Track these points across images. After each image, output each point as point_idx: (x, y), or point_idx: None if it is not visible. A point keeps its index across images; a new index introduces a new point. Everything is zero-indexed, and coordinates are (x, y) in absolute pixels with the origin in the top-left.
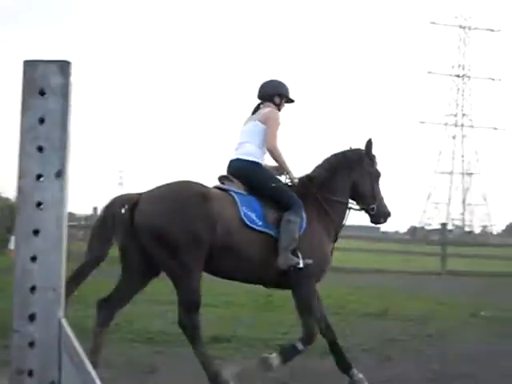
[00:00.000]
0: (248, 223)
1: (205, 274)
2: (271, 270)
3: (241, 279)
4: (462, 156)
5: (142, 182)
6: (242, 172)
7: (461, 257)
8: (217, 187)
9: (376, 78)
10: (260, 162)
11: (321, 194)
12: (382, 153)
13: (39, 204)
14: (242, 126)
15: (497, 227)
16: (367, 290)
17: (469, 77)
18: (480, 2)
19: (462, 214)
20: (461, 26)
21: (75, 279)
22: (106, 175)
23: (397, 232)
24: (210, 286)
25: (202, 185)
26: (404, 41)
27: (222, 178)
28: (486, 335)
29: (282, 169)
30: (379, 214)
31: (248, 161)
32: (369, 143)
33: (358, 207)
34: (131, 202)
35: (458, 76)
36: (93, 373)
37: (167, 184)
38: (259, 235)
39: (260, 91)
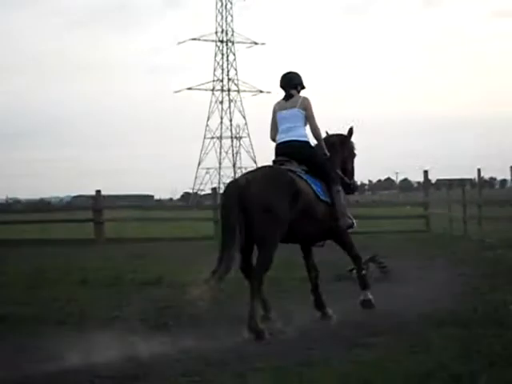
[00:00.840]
0: (320, 197)
1: None
2: (328, 229)
3: (306, 241)
4: (230, 120)
5: None
6: (301, 151)
7: None
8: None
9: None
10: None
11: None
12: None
13: None
14: (281, 111)
15: None
16: (143, 258)
17: (232, 41)
18: None
19: (233, 177)
20: None
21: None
22: None
23: (171, 199)
24: None
25: (286, 169)
26: (161, 8)
27: (280, 160)
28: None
29: (321, 147)
30: (355, 188)
31: (304, 141)
32: (351, 130)
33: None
34: (241, 186)
35: (222, 41)
36: None
37: (263, 170)
38: (324, 205)
39: (284, 81)
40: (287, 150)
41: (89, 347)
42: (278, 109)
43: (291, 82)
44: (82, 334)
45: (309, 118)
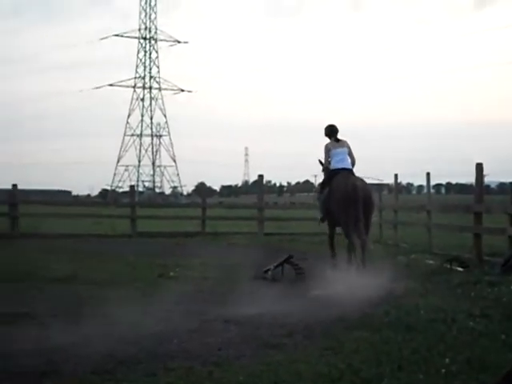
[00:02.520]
0: None
1: None
2: None
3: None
4: (151, 118)
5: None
6: (351, 172)
7: (150, 218)
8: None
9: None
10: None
11: None
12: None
13: None
14: (336, 149)
15: (186, 188)
16: (58, 254)
17: (155, 39)
18: None
19: (153, 175)
20: None
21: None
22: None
23: (88, 195)
24: None
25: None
26: (86, 3)
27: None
28: (175, 294)
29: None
30: None
31: (351, 168)
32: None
33: None
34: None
35: (145, 38)
36: None
37: (359, 178)
38: None
39: (331, 130)
40: (345, 171)
41: None
42: (332, 147)
43: (336, 131)
44: None
45: (350, 154)
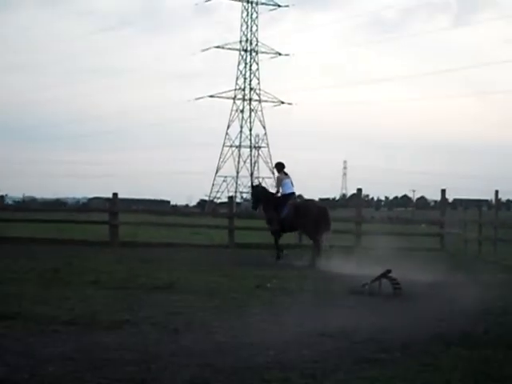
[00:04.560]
0: None
1: None
2: None
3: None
4: (250, 129)
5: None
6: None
7: (248, 229)
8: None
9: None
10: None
11: None
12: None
13: None
14: (286, 179)
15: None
16: (156, 263)
17: (256, 51)
18: None
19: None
20: (248, 1)
21: None
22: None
23: (187, 205)
24: None
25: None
26: (189, 15)
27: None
28: (272, 306)
29: None
30: None
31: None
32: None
33: None
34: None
35: (246, 50)
36: None
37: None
38: None
39: (279, 166)
40: (293, 195)
41: (95, 349)
42: (284, 177)
43: (283, 166)
44: (92, 335)
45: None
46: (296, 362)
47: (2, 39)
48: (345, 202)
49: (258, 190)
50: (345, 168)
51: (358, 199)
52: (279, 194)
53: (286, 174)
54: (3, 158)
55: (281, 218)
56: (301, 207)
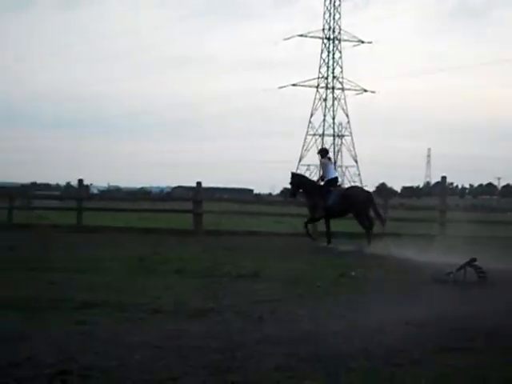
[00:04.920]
0: None
1: None
2: None
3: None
4: (333, 118)
5: None
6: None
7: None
8: None
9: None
10: None
11: None
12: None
13: None
14: (330, 165)
15: (367, 188)
16: (240, 252)
17: (339, 39)
18: None
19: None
20: None
21: None
22: None
23: (270, 194)
24: (80, 252)
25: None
26: (271, 3)
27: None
28: (356, 294)
29: None
30: None
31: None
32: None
33: None
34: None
35: (329, 39)
36: None
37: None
38: None
39: (323, 152)
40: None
41: (181, 336)
42: (328, 163)
43: (328, 152)
44: (177, 323)
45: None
46: (381, 350)
47: (82, 32)
48: (429, 189)
49: (297, 179)
50: (428, 156)
51: (442, 187)
52: (323, 180)
53: (329, 159)
54: (87, 149)
55: (327, 204)
56: (348, 194)
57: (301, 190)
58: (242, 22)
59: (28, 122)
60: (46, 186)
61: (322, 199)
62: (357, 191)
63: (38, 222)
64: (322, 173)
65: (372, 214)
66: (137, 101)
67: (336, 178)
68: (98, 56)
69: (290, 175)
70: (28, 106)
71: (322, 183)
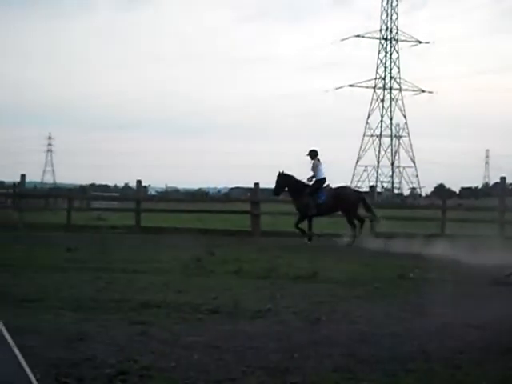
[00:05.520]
0: None
1: None
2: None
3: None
4: (391, 119)
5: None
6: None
7: (389, 219)
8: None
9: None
10: None
11: None
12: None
13: None
14: (320, 165)
15: (425, 189)
16: (298, 253)
17: (396, 40)
18: None
19: (391, 176)
20: None
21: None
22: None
23: None
24: (138, 253)
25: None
26: (328, 3)
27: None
28: (414, 295)
29: None
30: None
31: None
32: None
33: None
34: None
35: (386, 39)
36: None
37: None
38: None
39: (313, 153)
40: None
41: (239, 337)
42: (318, 164)
43: (317, 154)
44: (235, 324)
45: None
46: (440, 352)
47: (151, 32)
48: (487, 190)
49: (283, 178)
50: (487, 157)
51: (501, 188)
52: (313, 180)
53: (318, 160)
54: (146, 150)
55: (318, 203)
56: (339, 193)
57: (286, 189)
58: (300, 22)
59: (86, 124)
60: (105, 188)
61: (312, 198)
62: (347, 192)
63: (97, 223)
64: (314, 173)
65: (364, 211)
66: (194, 102)
67: (324, 179)
68: (160, 56)
69: (277, 175)
70: (84, 107)
71: (310, 183)
